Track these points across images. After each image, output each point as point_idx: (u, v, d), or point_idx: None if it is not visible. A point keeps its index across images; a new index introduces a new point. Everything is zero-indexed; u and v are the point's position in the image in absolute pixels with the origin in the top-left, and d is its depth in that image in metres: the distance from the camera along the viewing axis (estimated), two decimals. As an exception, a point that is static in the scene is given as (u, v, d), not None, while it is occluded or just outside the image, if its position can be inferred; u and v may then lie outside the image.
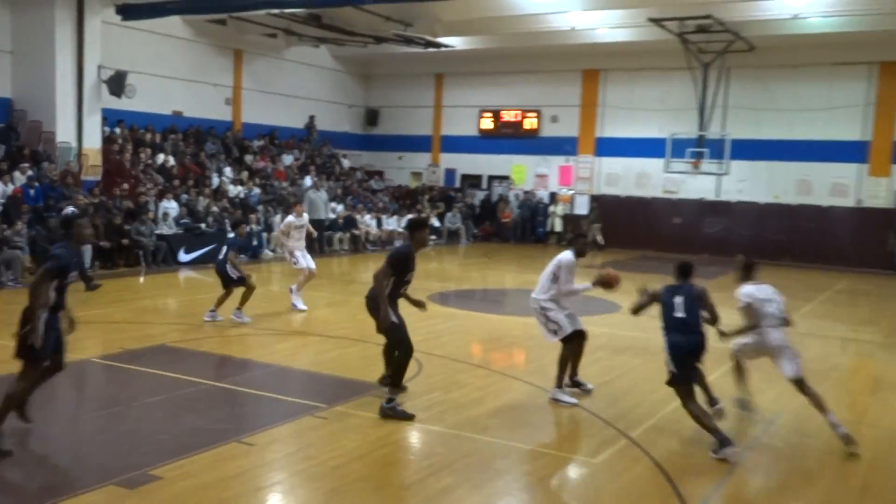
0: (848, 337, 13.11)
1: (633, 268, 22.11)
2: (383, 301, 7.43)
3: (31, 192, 17.27)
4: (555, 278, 8.36)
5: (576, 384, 8.62)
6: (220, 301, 12.00)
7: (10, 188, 17.01)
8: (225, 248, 12.36)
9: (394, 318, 7.50)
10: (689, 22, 20.80)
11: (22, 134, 19.42)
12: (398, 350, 7.66)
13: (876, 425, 8.08)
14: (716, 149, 22.99)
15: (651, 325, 12.87)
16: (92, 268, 16.88)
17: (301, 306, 13.14)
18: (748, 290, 7.74)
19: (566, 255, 8.36)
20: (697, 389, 7.99)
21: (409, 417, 7.42)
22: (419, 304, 8.38)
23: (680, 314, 7.04)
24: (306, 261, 13.44)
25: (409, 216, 8.97)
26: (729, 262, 23.47)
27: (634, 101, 26.78)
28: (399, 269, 7.56)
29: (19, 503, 5.56)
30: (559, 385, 8.28)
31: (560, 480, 6.43)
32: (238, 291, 12.04)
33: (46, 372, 6.77)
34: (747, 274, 8.03)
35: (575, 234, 8.75)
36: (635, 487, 6.14)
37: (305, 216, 14.19)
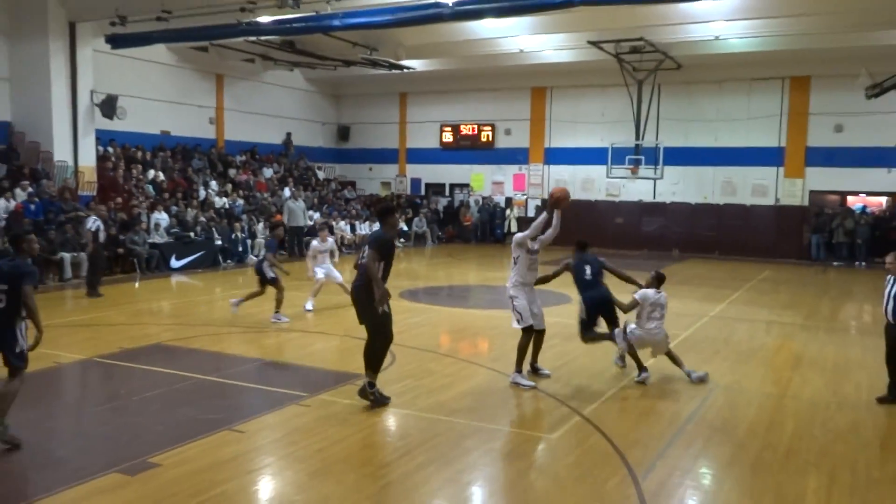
0: (771, 320, 13.35)
1: (580, 263, 22.35)
2: (378, 282, 7.01)
3: (32, 207, 16.91)
4: (514, 263, 8.39)
5: (534, 370, 8.65)
6: (279, 301, 11.91)
7: (12, 204, 16.66)
8: (263, 250, 12.33)
9: (386, 308, 7.20)
10: (623, 44, 21.03)
11: (22, 154, 19.00)
12: (378, 339, 7.33)
13: (798, 397, 8.24)
14: (651, 156, 23.27)
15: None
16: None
17: (309, 307, 13.02)
18: (646, 293, 8.70)
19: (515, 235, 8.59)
20: (630, 360, 8.69)
21: (385, 402, 7.39)
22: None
23: (589, 277, 8.76)
24: (326, 274, 13.14)
25: (379, 205, 8.71)
26: (665, 255, 24.02)
27: (578, 114, 27.01)
28: (385, 254, 7.20)
29: (30, 490, 5.45)
30: (518, 370, 8.30)
31: (522, 455, 6.46)
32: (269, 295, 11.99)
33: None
34: (657, 284, 8.87)
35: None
36: (588, 459, 6.19)
37: (330, 240, 13.77)
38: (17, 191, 17.19)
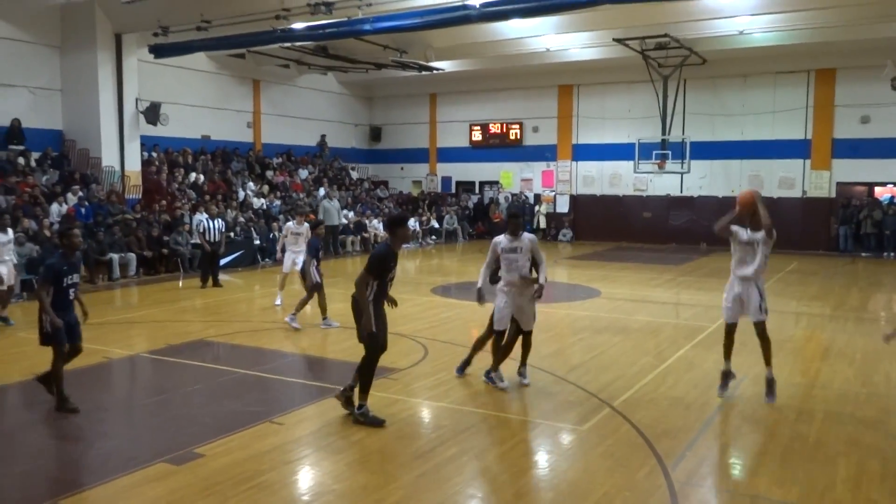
0: (800, 311, 13.11)
1: (610, 257, 22.15)
2: (366, 309, 6.54)
3: (83, 210, 17.26)
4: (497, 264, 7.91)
5: (519, 374, 8.09)
6: (323, 308, 11.28)
7: (65, 208, 17.02)
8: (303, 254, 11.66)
9: (373, 328, 6.57)
10: (649, 40, 20.77)
11: (72, 160, 19.43)
12: (368, 349, 6.68)
13: (827, 387, 8.07)
14: (677, 150, 22.98)
15: (627, 308, 12.95)
16: (137, 274, 16.91)
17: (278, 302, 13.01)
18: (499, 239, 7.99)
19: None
20: None
21: (380, 423, 6.61)
22: (391, 302, 7.06)
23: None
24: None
25: (391, 215, 8.14)
26: (694, 249, 23.69)
27: (605, 111, 26.75)
28: (379, 272, 6.66)
29: (86, 478, 5.55)
30: (495, 368, 7.87)
31: (553, 446, 6.42)
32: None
33: (70, 354, 7.25)
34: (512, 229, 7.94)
35: (510, 214, 8.07)
36: (618, 449, 6.13)
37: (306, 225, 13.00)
38: (69, 195, 17.56)
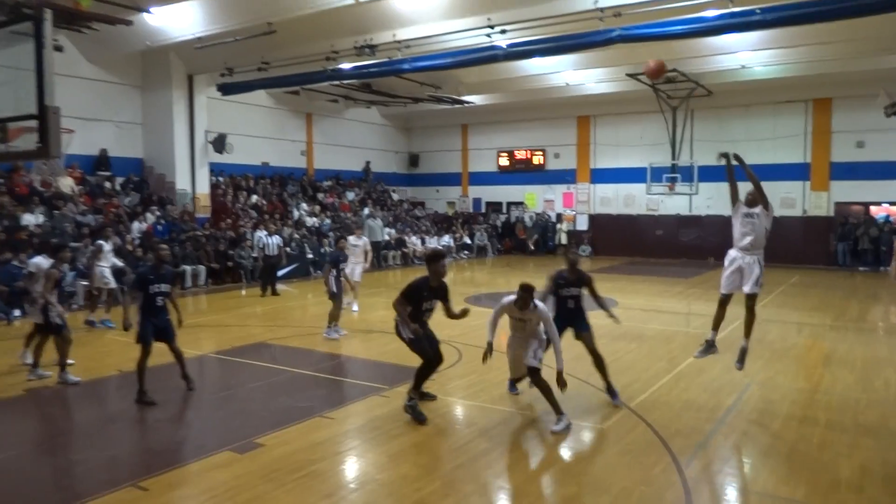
0: (802, 321, 12.79)
1: (625, 271, 21.88)
2: (404, 320, 6.59)
3: (160, 227, 17.57)
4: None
5: (512, 384, 7.47)
6: (332, 316, 10.88)
7: (144, 225, 17.35)
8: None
9: (408, 334, 6.62)
10: (659, 75, 20.58)
11: (151, 184, 19.83)
12: (419, 356, 6.78)
13: (829, 392, 7.84)
14: (686, 174, 22.64)
15: (642, 317, 12.75)
16: (206, 284, 17.15)
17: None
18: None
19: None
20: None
21: (422, 420, 6.59)
22: (463, 314, 6.90)
23: None
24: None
25: (429, 251, 7.98)
26: (702, 264, 23.31)
27: (619, 138, 26.53)
28: (410, 299, 6.63)
29: (160, 463, 5.61)
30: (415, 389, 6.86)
31: (575, 443, 6.33)
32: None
33: (173, 352, 7.64)
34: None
35: (520, 287, 6.59)
36: (635, 447, 6.02)
37: (364, 239, 13.75)
38: (148, 215, 17.90)
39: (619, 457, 5.81)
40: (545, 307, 6.72)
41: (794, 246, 23.16)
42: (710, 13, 12.50)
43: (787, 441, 6.17)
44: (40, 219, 15.39)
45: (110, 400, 7.94)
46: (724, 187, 6.97)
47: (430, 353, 6.79)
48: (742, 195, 7.28)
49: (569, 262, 7.52)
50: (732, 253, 7.18)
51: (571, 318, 7.40)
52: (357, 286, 13.27)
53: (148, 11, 14.28)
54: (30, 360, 8.42)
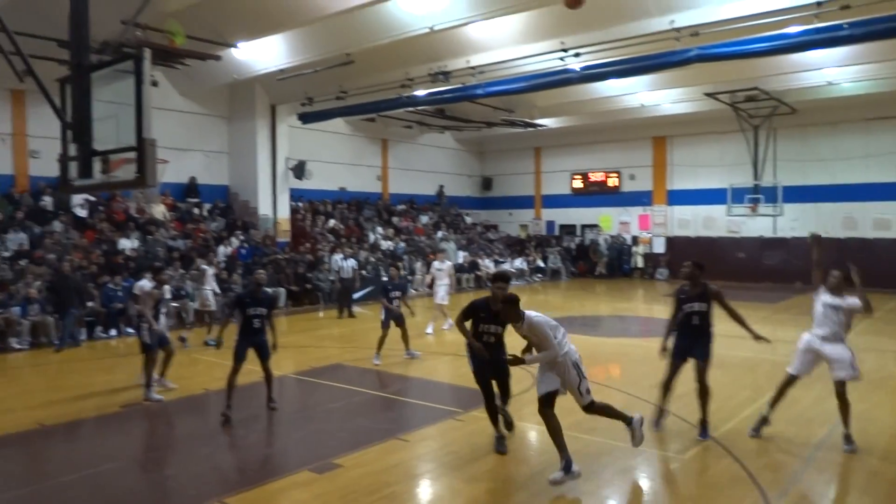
0: (899, 349, 11.97)
1: (703, 294, 21.11)
2: (467, 337, 6.52)
3: (243, 251, 18.29)
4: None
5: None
6: (379, 343, 10.79)
7: (229, 250, 18.08)
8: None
9: (469, 358, 6.59)
10: (738, 93, 19.96)
11: (236, 210, 20.71)
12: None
13: (931, 426, 7.28)
14: (770, 194, 21.76)
15: (724, 343, 12.23)
16: (285, 306, 17.67)
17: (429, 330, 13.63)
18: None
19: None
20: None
21: (501, 451, 6.42)
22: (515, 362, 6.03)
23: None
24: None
25: (498, 269, 8.18)
26: (788, 288, 22.23)
27: (697, 159, 25.80)
28: (467, 315, 6.55)
29: (243, 480, 5.80)
30: None
31: (656, 473, 6.12)
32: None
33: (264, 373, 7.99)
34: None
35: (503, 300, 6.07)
36: (720, 480, 5.76)
37: (447, 263, 14.60)
38: (233, 239, 18.67)
39: (702, 489, 5.58)
40: (534, 315, 5.72)
41: (889, 269, 21.77)
42: (794, 29, 12.08)
43: (888, 479, 5.77)
44: (135, 243, 16.31)
45: (198, 417, 8.25)
46: (810, 208, 6.71)
47: (487, 390, 6.51)
48: (828, 277, 6.58)
49: (688, 276, 7.02)
50: (807, 337, 6.67)
51: (695, 336, 6.89)
52: (443, 308, 13.80)
53: (235, 46, 15.05)
54: (150, 378, 8.67)
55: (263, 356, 7.85)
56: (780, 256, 24.05)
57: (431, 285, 14.30)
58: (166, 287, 9.88)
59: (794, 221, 23.46)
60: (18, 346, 12.09)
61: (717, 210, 24.48)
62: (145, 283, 9.00)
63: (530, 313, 5.72)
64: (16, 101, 16.47)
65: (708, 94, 20.07)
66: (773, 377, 9.50)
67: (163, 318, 8.95)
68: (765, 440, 6.81)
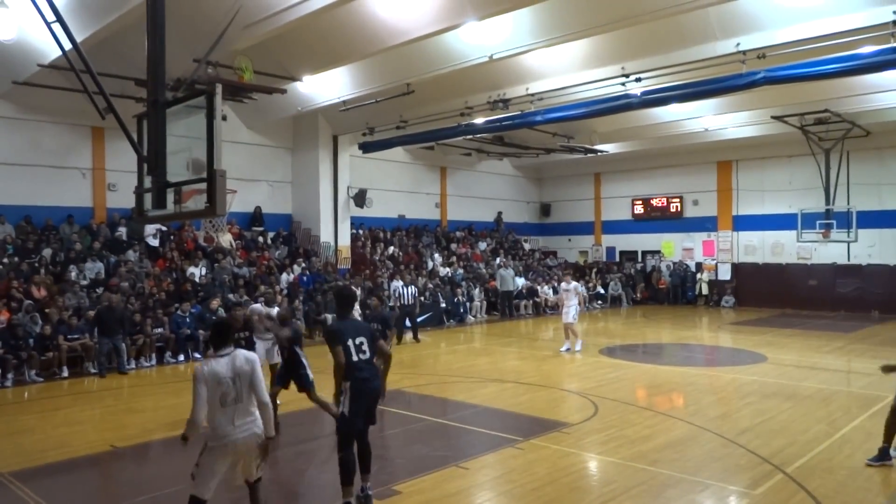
0: None
1: (775, 323, 20.33)
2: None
3: (305, 278, 18.71)
4: None
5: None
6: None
7: (291, 276, 18.54)
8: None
9: None
10: (808, 116, 19.31)
11: (298, 238, 21.27)
12: None
13: None
14: (842, 220, 20.86)
15: (796, 374, 11.73)
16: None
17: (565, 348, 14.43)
18: None
19: None
20: None
21: None
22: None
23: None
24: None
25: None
26: (864, 317, 21.15)
27: (764, 183, 25.03)
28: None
29: (302, 510, 5.84)
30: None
31: (724, 508, 5.87)
32: None
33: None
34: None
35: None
36: (794, 517, 5.49)
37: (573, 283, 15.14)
38: (295, 266, 19.15)
39: (775, 528, 5.31)
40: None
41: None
42: (867, 49, 11.67)
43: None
44: (203, 271, 16.92)
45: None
46: (887, 234, 6.35)
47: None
48: None
49: None
50: None
51: None
52: (573, 327, 14.52)
53: (300, 80, 15.61)
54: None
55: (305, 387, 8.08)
56: (854, 284, 22.97)
57: (560, 306, 14.99)
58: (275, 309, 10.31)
59: (870, 248, 22.43)
60: (94, 371, 12.63)
61: (786, 236, 23.64)
62: (259, 307, 9.82)
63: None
64: (96, 138, 17.48)
65: (776, 118, 19.51)
66: (850, 410, 9.08)
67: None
68: (843, 475, 6.45)
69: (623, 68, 13.90)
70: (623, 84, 14.32)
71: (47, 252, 15.35)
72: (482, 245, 27.00)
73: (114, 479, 7.13)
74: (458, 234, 26.99)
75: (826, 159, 21.34)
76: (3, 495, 6.29)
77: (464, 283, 22.39)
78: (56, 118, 16.62)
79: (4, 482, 6.63)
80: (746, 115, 19.95)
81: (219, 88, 5.14)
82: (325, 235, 21.06)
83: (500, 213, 29.51)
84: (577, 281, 25.69)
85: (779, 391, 10.36)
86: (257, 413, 4.66)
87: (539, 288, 24.26)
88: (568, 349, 14.42)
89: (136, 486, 6.64)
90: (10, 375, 11.80)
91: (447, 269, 23.28)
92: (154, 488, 6.42)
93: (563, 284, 15.13)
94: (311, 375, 8.07)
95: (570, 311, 14.38)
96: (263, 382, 4.69)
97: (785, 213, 23.50)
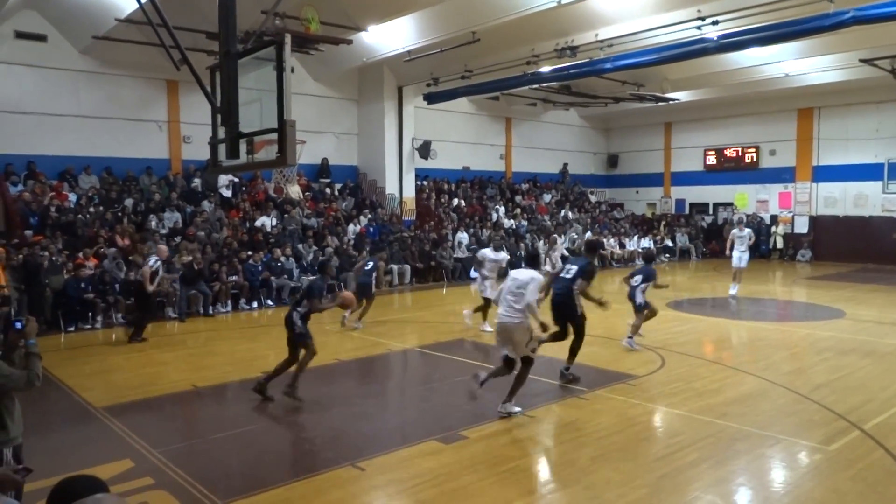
0: None
1: (855, 278, 19.42)
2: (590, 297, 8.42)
3: (371, 229, 18.98)
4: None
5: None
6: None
7: (358, 228, 18.84)
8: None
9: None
10: (901, 58, 17.90)
11: (364, 190, 21.51)
12: (578, 335, 8.24)
13: None
14: (936, 169, 19.53)
15: (876, 331, 11.22)
16: (410, 282, 18.18)
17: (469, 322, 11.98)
18: None
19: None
20: None
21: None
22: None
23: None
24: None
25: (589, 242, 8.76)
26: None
27: (849, 131, 23.53)
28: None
29: (374, 447, 6.04)
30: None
31: (796, 463, 5.74)
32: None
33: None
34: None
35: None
36: (871, 475, 5.31)
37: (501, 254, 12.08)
38: (361, 217, 19.43)
39: (850, 483, 5.16)
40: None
41: None
42: (973, -20, 10.66)
43: None
44: (273, 221, 17.38)
45: (331, 386, 8.70)
46: None
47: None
48: None
49: None
50: None
51: None
52: (741, 272, 15.68)
53: (365, 30, 15.51)
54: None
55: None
56: (946, 238, 21.57)
57: (731, 249, 15.83)
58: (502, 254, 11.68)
59: (965, 199, 20.94)
60: (174, 316, 13.29)
61: (871, 187, 22.36)
62: (488, 252, 11.27)
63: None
64: (171, 91, 17.97)
65: (864, 61, 18.16)
66: None
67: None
68: (926, 437, 6.19)
69: (699, 11, 13.19)
70: (698, 28, 13.59)
71: (129, 202, 16.06)
72: (547, 197, 26.64)
73: (196, 416, 7.54)
74: (522, 186, 26.69)
75: (919, 105, 19.86)
76: (97, 428, 6.77)
77: (528, 236, 22.23)
78: (133, 72, 17.14)
79: (98, 415, 7.12)
80: (831, 58, 18.66)
81: (288, 38, 5.16)
82: (391, 187, 21.20)
83: (565, 165, 28.96)
84: (647, 235, 25.31)
85: (857, 347, 9.95)
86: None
87: (605, 241, 23.83)
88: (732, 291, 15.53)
89: (217, 422, 7.02)
90: (99, 318, 12.58)
91: (511, 222, 23.14)
92: (234, 426, 6.77)
93: (735, 231, 16.08)
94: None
95: (745, 256, 15.59)
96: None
97: (870, 162, 22.18)
